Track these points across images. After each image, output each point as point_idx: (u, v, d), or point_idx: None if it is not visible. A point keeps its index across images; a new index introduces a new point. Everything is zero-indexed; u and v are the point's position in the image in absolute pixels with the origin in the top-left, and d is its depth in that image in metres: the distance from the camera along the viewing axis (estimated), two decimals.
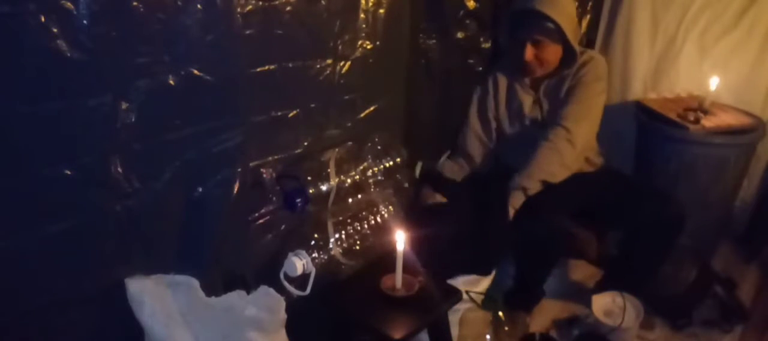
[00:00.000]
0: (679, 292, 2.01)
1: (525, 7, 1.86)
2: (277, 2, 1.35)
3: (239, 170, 1.40)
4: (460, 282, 1.78)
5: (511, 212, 1.84)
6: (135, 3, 1.10)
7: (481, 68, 2.17)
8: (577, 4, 2.44)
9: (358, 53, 1.62)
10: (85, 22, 1.03)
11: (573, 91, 1.93)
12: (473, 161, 2.11)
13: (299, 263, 1.47)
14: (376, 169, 1.66)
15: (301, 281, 1.50)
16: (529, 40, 1.87)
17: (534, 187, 1.86)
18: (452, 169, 2.11)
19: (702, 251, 2.23)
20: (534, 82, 2.00)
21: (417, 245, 1.57)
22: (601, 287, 2.07)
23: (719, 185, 2.23)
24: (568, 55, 1.92)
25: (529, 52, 1.88)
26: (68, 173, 1.10)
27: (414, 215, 1.85)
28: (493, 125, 2.07)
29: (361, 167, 1.63)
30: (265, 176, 1.46)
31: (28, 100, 1.01)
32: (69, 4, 1.01)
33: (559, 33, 1.85)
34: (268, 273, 1.50)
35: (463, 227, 1.85)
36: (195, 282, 1.34)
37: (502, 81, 2.04)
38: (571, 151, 1.89)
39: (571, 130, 1.88)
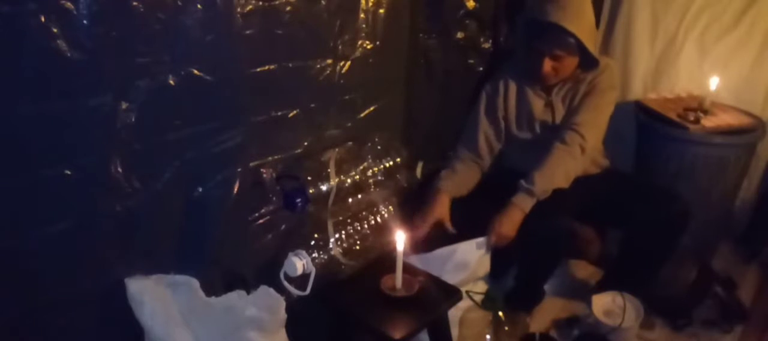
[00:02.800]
0: (679, 292, 2.01)
1: (542, 19, 1.79)
2: (277, 2, 1.35)
3: (239, 170, 1.40)
4: (460, 249, 1.76)
5: (519, 215, 1.78)
6: (135, 3, 1.10)
7: (481, 68, 2.16)
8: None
9: (358, 53, 1.62)
10: (85, 22, 1.03)
11: (587, 98, 1.90)
12: (483, 159, 2.04)
13: (299, 263, 1.47)
14: (376, 169, 1.66)
15: (301, 281, 1.50)
16: (548, 55, 1.82)
17: (548, 193, 1.81)
18: (465, 179, 2.00)
19: (702, 251, 2.23)
20: (546, 86, 1.97)
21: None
22: (601, 287, 2.07)
23: (719, 185, 2.23)
24: (585, 61, 1.88)
25: (548, 65, 1.84)
26: (68, 173, 1.10)
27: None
28: (502, 125, 2.02)
29: (361, 167, 1.64)
30: (265, 176, 1.46)
31: (28, 100, 1.01)
32: (69, 4, 1.01)
33: (579, 46, 1.81)
34: (268, 273, 1.50)
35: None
36: (195, 282, 1.34)
37: (512, 84, 1.99)
38: (581, 158, 1.86)
39: (585, 136, 1.85)
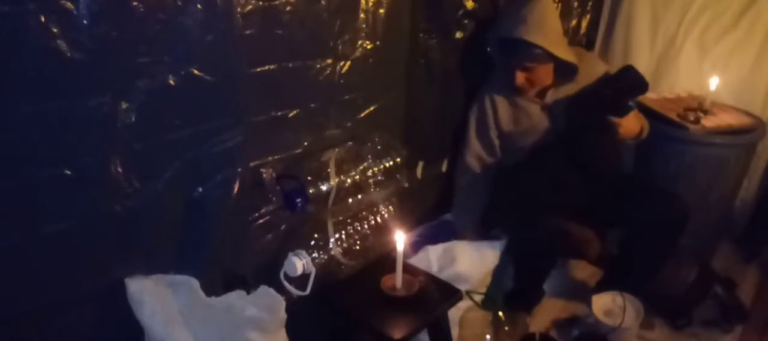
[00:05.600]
0: (679, 292, 2.01)
1: (507, 36, 1.84)
2: (277, 2, 1.35)
3: (239, 170, 1.40)
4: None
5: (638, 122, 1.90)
6: (135, 3, 1.10)
7: (480, 68, 2.16)
8: (573, 7, 2.45)
9: (358, 53, 1.62)
10: (85, 22, 1.03)
11: None
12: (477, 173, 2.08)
13: (299, 263, 1.47)
14: (376, 169, 1.66)
15: (301, 281, 1.50)
16: (518, 68, 1.86)
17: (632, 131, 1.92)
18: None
19: (702, 251, 2.23)
20: (536, 93, 1.98)
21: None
22: (601, 287, 2.08)
23: (719, 185, 2.23)
24: (563, 65, 1.90)
25: (520, 78, 1.88)
26: (68, 173, 1.10)
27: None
28: (496, 143, 2.04)
29: (361, 167, 1.63)
30: (265, 176, 1.46)
31: (28, 100, 1.01)
32: (69, 4, 1.01)
33: (549, 55, 1.83)
34: (268, 273, 1.50)
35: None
36: (195, 282, 1.34)
37: (500, 99, 2.00)
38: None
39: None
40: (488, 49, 2.06)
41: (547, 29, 1.83)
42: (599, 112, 1.83)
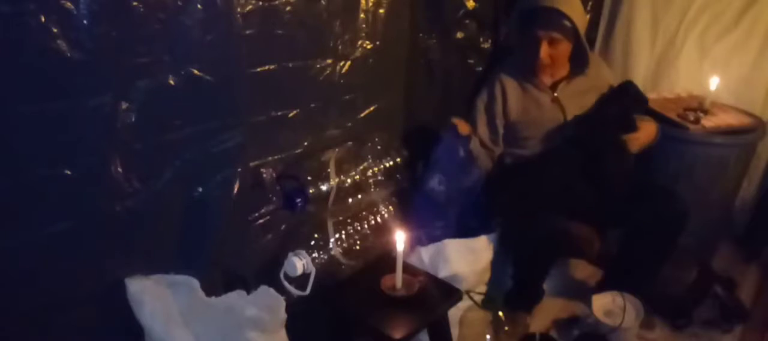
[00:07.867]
0: (679, 292, 2.02)
1: (539, 5, 1.83)
2: (277, 2, 1.36)
3: (239, 170, 1.40)
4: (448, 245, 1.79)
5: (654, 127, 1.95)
6: (135, 3, 1.10)
7: (480, 68, 2.16)
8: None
9: (358, 53, 1.62)
10: (85, 22, 1.03)
11: None
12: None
13: (299, 263, 1.48)
14: (376, 169, 1.66)
15: (301, 281, 1.50)
16: (545, 38, 1.85)
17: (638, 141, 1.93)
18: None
19: (702, 251, 2.23)
20: (552, 84, 1.99)
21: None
22: (601, 287, 2.07)
23: (719, 185, 2.23)
24: (577, 55, 1.92)
25: (545, 51, 1.86)
26: (68, 173, 1.10)
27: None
28: (501, 131, 2.02)
29: (361, 167, 1.64)
30: (265, 176, 1.46)
31: (28, 100, 1.01)
32: (69, 4, 1.01)
33: (574, 31, 1.84)
34: (268, 273, 1.50)
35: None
36: (195, 282, 1.34)
37: (511, 85, 1.98)
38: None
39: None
40: (501, 37, 2.07)
41: (576, 6, 1.86)
42: (611, 132, 1.85)
